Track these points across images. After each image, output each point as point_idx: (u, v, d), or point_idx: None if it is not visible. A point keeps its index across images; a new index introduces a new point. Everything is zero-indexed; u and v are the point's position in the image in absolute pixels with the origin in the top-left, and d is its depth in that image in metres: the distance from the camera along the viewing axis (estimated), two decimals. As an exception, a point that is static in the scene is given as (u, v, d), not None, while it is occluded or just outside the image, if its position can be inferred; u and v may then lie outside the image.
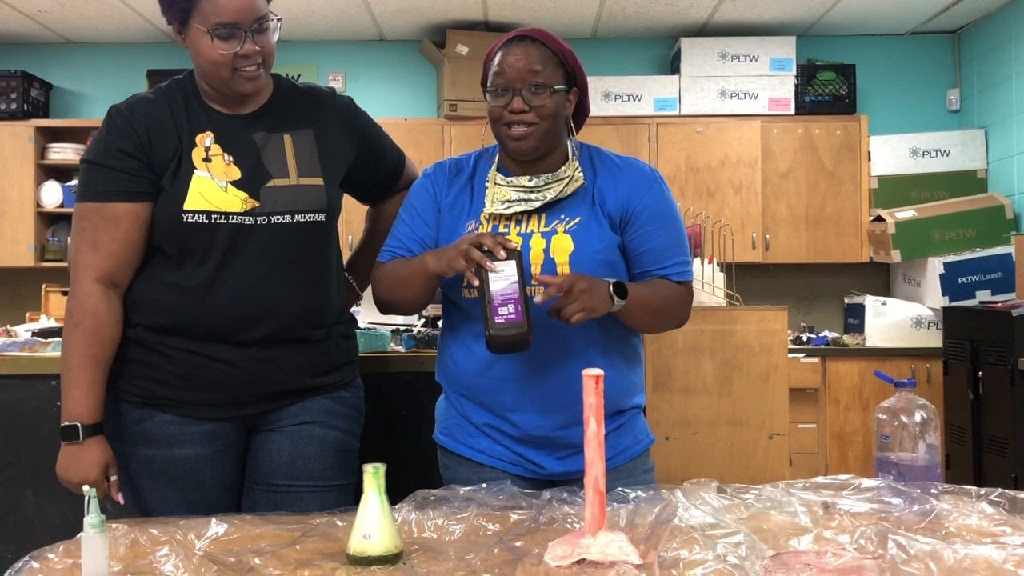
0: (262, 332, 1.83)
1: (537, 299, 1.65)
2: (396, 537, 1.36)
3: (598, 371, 1.36)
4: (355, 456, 1.91)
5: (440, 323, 1.90)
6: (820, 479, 1.63)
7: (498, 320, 1.64)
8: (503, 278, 1.64)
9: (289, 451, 1.88)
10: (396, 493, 1.47)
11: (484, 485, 1.61)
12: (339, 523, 1.50)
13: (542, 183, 1.79)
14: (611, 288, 1.68)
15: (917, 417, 1.66)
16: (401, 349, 2.47)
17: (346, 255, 2.09)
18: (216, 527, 1.48)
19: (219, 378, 1.82)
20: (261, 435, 1.90)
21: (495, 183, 1.81)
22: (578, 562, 1.31)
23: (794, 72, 5.43)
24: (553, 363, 1.75)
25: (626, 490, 1.58)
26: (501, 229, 1.78)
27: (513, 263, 1.65)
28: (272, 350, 1.85)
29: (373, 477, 1.37)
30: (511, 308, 1.64)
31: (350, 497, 1.83)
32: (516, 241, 1.75)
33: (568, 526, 1.48)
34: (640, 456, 1.88)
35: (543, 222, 1.78)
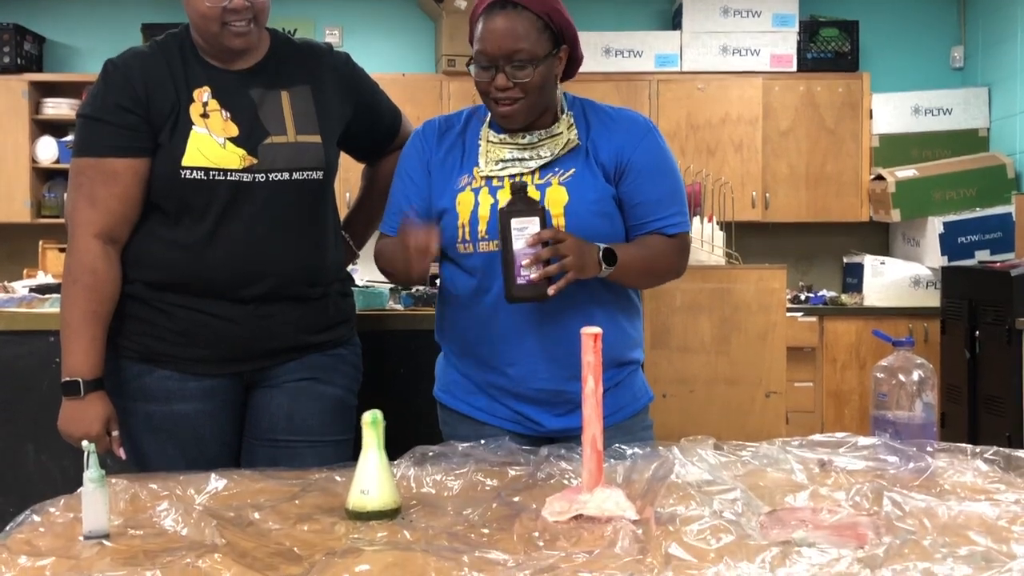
0: (260, 289, 1.83)
1: (524, 262, 1.64)
2: (395, 492, 1.38)
3: (596, 329, 1.37)
4: (353, 412, 1.92)
5: (438, 282, 1.90)
6: (816, 437, 1.65)
7: (520, 281, 1.65)
8: (527, 236, 1.64)
9: (288, 407, 1.89)
10: (395, 449, 1.48)
11: (482, 441, 1.62)
12: (338, 478, 1.51)
13: (535, 140, 1.78)
14: (600, 254, 1.69)
15: (915, 376, 1.67)
16: (400, 307, 2.47)
17: (343, 213, 2.08)
18: (216, 482, 1.49)
19: (217, 335, 1.83)
20: (260, 391, 1.90)
21: (488, 140, 1.80)
22: (575, 517, 1.32)
23: (796, 28, 5.36)
24: (552, 317, 1.75)
25: (623, 447, 1.59)
26: (495, 184, 1.77)
27: (537, 220, 1.64)
28: (270, 307, 1.85)
29: (372, 427, 1.38)
30: (533, 269, 1.64)
31: (348, 453, 1.84)
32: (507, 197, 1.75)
33: (565, 482, 1.50)
34: (639, 413, 1.89)
35: (536, 175, 1.77)
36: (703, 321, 3.02)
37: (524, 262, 1.64)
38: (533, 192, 1.75)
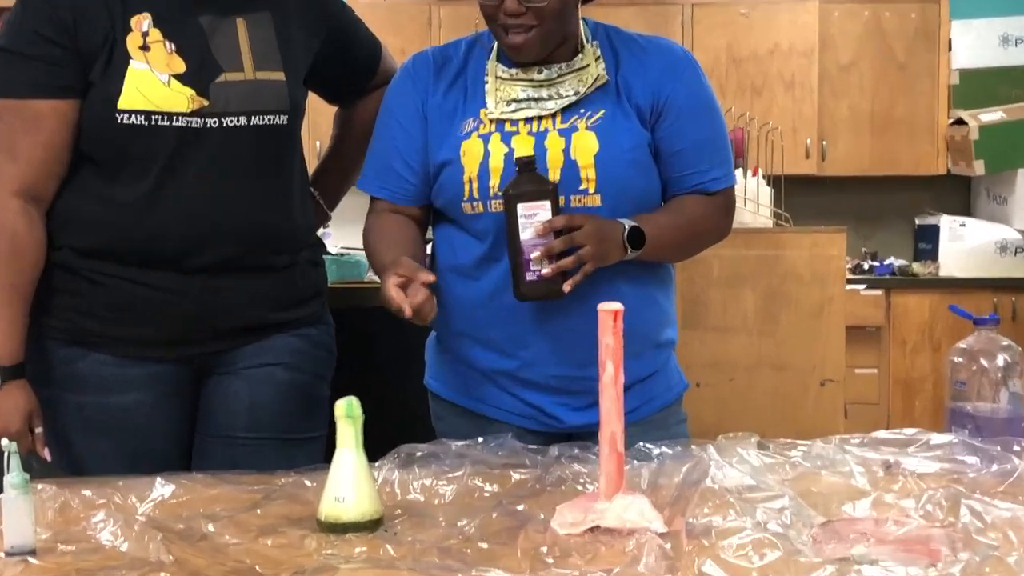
0: (212, 257, 1.82)
1: (534, 255, 1.65)
2: (376, 500, 1.38)
3: (616, 305, 1.36)
4: (325, 404, 1.91)
5: (430, 247, 1.90)
6: (881, 434, 1.66)
7: (529, 277, 1.66)
8: (536, 224, 1.64)
9: (248, 398, 1.90)
10: (376, 449, 1.49)
11: (480, 440, 1.63)
12: (308, 483, 1.52)
13: (554, 75, 1.77)
14: (625, 235, 1.70)
15: (999, 361, 1.67)
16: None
17: (312, 166, 2.08)
18: (162, 488, 1.50)
19: (161, 311, 1.83)
20: (214, 379, 1.91)
21: (496, 76, 1.79)
22: (591, 529, 1.32)
23: (861, -59, 5.37)
24: (574, 291, 1.72)
25: (649, 446, 1.60)
26: (508, 129, 1.76)
27: (548, 204, 1.65)
28: (225, 279, 1.84)
29: (348, 420, 1.37)
30: (544, 263, 1.65)
31: (320, 452, 1.86)
32: (528, 141, 1.74)
33: (579, 487, 1.50)
34: (673, 404, 1.90)
35: (559, 118, 1.76)
36: (745, 295, 3.02)
37: (534, 255, 1.65)
38: (555, 139, 1.74)
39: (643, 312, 1.79)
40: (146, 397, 1.86)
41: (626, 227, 1.70)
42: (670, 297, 1.91)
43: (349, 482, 1.36)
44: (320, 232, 2.11)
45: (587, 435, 1.73)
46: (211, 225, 1.82)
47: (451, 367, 1.89)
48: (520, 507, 1.41)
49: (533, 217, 1.65)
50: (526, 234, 1.65)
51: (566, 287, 1.66)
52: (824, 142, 5.38)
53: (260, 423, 1.90)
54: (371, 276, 2.49)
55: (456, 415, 1.87)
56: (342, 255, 2.54)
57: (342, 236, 3.03)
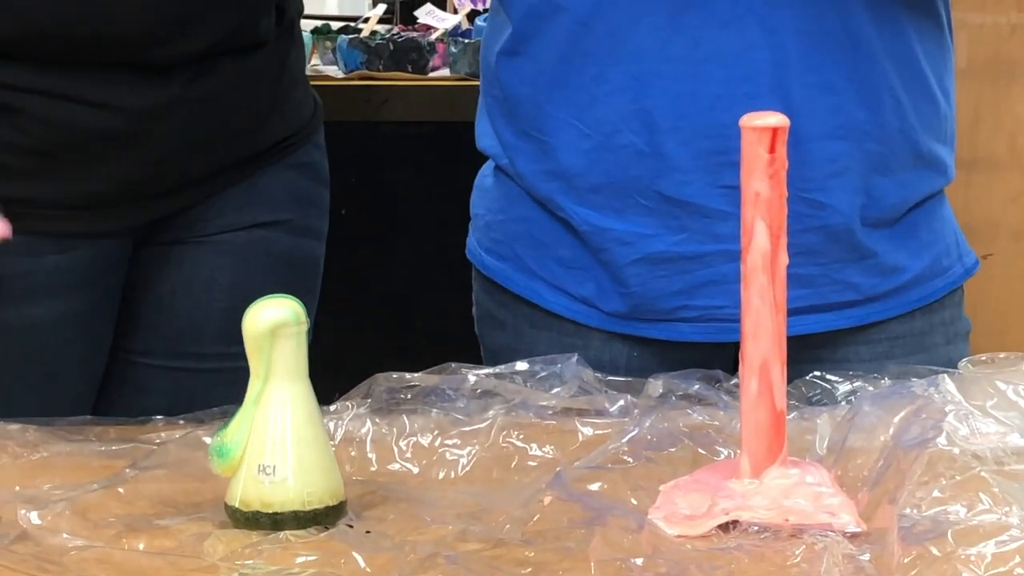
0: (195, 42, 1.89)
1: None
2: (332, 473, 1.39)
3: (773, 119, 1.34)
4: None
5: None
6: None
7: None
8: None
9: (228, 280, 2.02)
10: (341, 376, 1.53)
11: (522, 365, 1.63)
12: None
13: None
14: None
15: None
16: (335, 71, 2.47)
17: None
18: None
19: (105, 146, 1.88)
20: (177, 251, 1.99)
21: None
22: (723, 527, 1.33)
23: None
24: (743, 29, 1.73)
25: (832, 377, 1.60)
26: None
27: None
28: (208, 78, 1.92)
29: (283, 326, 1.35)
30: None
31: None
32: None
33: (702, 452, 1.51)
34: (947, 299, 1.93)
35: None
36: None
37: None
38: None
39: (901, 90, 1.80)
40: (66, 304, 1.91)
41: None
42: (948, 84, 1.89)
43: (284, 441, 1.37)
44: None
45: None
46: None
47: (526, 223, 1.91)
48: (594, 486, 1.42)
49: None
50: None
51: None
52: None
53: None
54: (318, 65, 2.50)
55: (532, 320, 1.94)
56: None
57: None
